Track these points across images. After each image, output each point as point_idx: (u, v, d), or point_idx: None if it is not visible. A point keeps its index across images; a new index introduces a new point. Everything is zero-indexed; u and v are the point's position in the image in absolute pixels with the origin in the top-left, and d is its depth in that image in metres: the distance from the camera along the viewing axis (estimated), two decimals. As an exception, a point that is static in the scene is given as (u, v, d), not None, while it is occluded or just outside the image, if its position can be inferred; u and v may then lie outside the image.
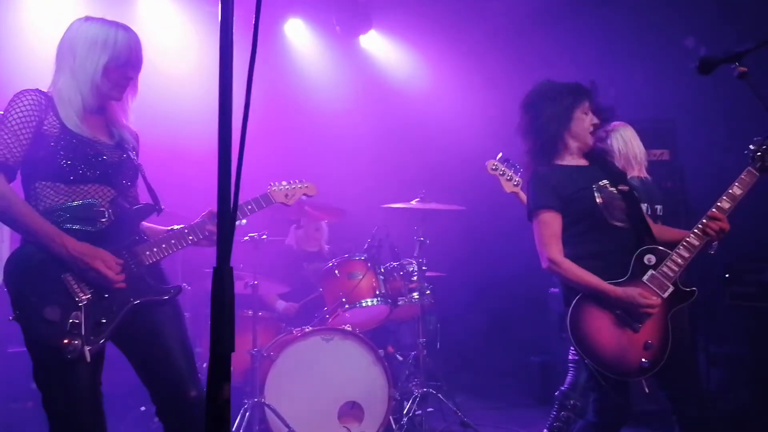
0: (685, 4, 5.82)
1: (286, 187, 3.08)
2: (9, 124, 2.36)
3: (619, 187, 3.05)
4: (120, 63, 2.50)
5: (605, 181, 3.03)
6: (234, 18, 1.30)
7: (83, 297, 2.34)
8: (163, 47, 5.80)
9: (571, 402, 4.08)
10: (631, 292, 2.80)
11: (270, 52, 6.42)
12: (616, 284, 2.85)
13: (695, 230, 2.91)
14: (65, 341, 2.27)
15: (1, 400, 4.14)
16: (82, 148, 2.43)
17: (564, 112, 3.07)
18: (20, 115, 2.37)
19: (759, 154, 2.96)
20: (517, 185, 3.83)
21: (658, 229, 3.16)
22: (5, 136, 2.35)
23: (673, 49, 5.89)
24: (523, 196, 3.87)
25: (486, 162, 3.73)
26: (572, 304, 2.87)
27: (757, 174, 2.94)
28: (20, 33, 5.05)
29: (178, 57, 5.86)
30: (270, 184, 3.04)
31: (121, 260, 2.42)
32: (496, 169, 3.76)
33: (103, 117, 2.58)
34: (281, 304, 5.01)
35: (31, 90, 2.44)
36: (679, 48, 5.84)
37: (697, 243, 2.90)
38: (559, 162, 3.10)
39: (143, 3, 5.87)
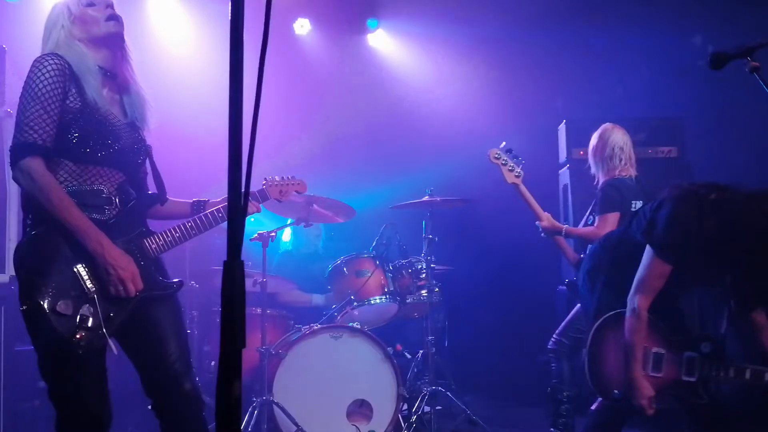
0: (693, 1, 5.78)
1: (280, 182, 3.07)
2: (39, 98, 2.30)
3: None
4: (86, 4, 2.49)
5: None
6: (244, 16, 1.29)
7: (93, 289, 2.32)
8: (171, 43, 5.82)
9: (565, 394, 4.10)
10: (646, 391, 2.78)
11: (278, 51, 6.41)
12: (663, 334, 2.86)
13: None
14: (77, 336, 2.25)
15: (8, 398, 4.13)
16: (100, 128, 2.40)
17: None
18: (48, 87, 2.31)
19: None
20: (518, 176, 3.77)
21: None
22: (39, 112, 2.30)
23: (681, 47, 5.86)
24: (525, 190, 3.85)
25: (488, 150, 3.66)
26: (602, 320, 2.93)
27: None
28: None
29: (186, 52, 5.87)
30: (265, 179, 3.03)
31: (133, 258, 2.40)
32: (498, 158, 3.69)
33: (116, 83, 2.55)
34: (319, 298, 4.97)
35: (53, 55, 2.37)
36: (687, 45, 5.82)
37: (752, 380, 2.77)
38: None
39: (152, 2, 5.89)
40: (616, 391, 2.84)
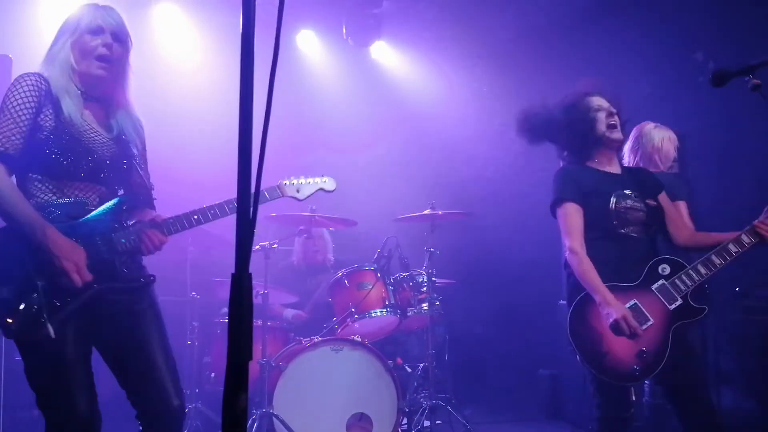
0: (693, 17, 5.82)
1: (300, 182, 2.98)
2: (9, 111, 2.35)
3: (647, 201, 3.05)
4: (91, 30, 2.47)
5: (630, 191, 3.03)
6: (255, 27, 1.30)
7: (40, 278, 2.29)
8: (176, 55, 5.86)
9: None
10: (621, 311, 2.77)
11: (281, 63, 6.45)
12: (623, 289, 2.86)
13: (741, 237, 2.88)
14: (8, 320, 2.24)
15: (8, 407, 4.13)
16: (74, 144, 2.40)
17: (584, 114, 3.10)
18: (21, 100, 2.36)
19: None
20: None
21: (700, 236, 3.13)
22: (8, 123, 2.34)
23: (681, 63, 5.88)
24: None
25: None
26: (574, 303, 2.91)
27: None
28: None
29: (191, 64, 5.91)
30: (282, 179, 2.94)
31: (89, 250, 2.36)
32: None
33: (102, 106, 2.56)
34: (289, 312, 4.99)
35: (33, 74, 2.42)
36: (687, 61, 5.84)
37: (727, 256, 2.86)
38: (589, 164, 3.15)
39: (157, 13, 5.94)
40: (636, 367, 2.78)
